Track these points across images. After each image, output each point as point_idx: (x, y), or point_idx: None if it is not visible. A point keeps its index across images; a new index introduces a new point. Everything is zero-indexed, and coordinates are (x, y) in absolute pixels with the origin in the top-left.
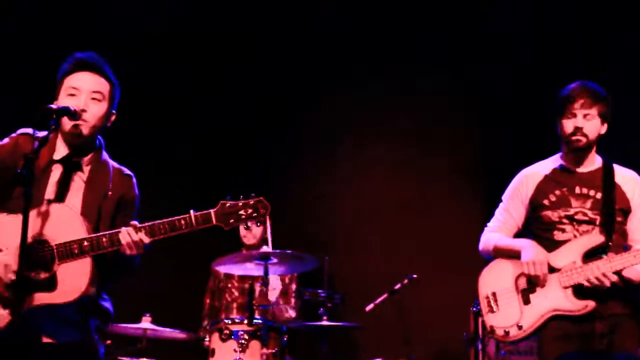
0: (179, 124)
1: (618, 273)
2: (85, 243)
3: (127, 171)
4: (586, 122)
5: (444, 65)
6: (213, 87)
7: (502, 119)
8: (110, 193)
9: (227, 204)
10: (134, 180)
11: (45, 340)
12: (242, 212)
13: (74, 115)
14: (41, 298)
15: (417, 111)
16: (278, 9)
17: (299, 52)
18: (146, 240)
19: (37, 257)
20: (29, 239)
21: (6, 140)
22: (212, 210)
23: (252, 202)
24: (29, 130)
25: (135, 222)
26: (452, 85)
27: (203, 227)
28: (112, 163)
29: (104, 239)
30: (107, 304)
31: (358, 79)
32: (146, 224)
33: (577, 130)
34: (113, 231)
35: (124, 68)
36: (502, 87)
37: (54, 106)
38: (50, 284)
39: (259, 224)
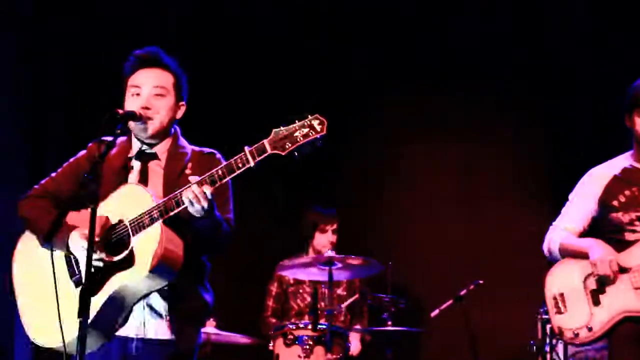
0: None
1: None
2: (155, 212)
3: (209, 150)
4: None
5: (505, 64)
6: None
7: (573, 118)
8: (188, 172)
9: (280, 129)
10: (218, 156)
11: (130, 335)
12: (297, 133)
13: (139, 118)
14: (121, 277)
15: (482, 113)
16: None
17: (359, 54)
18: (207, 190)
19: (116, 238)
20: (103, 229)
21: (81, 153)
22: (265, 140)
23: (306, 121)
24: (99, 139)
25: (195, 177)
26: (516, 83)
27: (261, 159)
28: (192, 147)
29: (170, 202)
30: (208, 296)
31: (421, 81)
32: (205, 175)
33: None
34: (177, 192)
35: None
36: (571, 82)
37: (120, 111)
38: (130, 261)
39: (319, 144)
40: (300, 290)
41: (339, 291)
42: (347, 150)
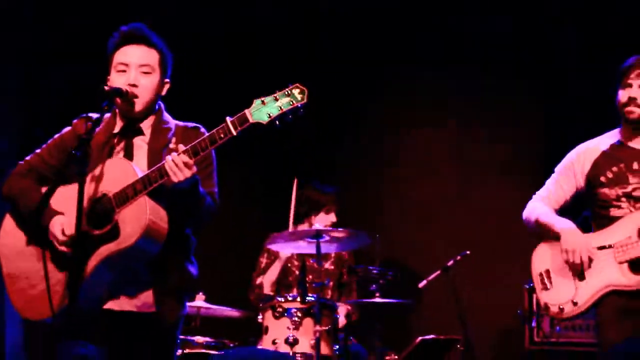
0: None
1: None
2: (138, 184)
3: (193, 124)
4: None
5: (504, 47)
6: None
7: (562, 95)
8: (172, 146)
9: (261, 99)
10: (203, 130)
11: (115, 307)
12: (278, 103)
13: (126, 95)
14: (106, 249)
15: (473, 92)
16: None
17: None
18: (189, 161)
19: (100, 211)
20: (88, 202)
21: (67, 128)
22: (246, 110)
23: (287, 90)
24: (84, 115)
25: (180, 146)
26: (511, 63)
27: (243, 129)
28: (176, 122)
29: (153, 174)
30: (192, 268)
31: (420, 62)
32: (187, 146)
33: (631, 100)
34: (160, 164)
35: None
36: (561, 63)
37: (106, 88)
38: (114, 234)
39: (301, 112)
40: (289, 264)
41: (327, 265)
42: (337, 125)
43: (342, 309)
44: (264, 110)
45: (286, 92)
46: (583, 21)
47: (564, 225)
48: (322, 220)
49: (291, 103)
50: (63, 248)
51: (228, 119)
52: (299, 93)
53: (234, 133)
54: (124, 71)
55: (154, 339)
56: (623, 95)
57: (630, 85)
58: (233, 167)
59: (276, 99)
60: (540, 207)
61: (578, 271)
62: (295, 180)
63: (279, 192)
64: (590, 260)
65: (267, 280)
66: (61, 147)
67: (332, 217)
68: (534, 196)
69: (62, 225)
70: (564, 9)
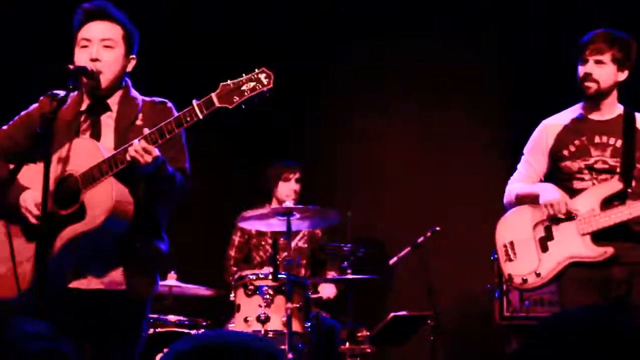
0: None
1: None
2: (104, 165)
3: (160, 99)
4: (597, 68)
5: (469, 25)
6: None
7: (527, 72)
8: (139, 122)
9: (228, 83)
10: (170, 105)
11: (82, 286)
12: (244, 87)
13: (91, 74)
14: (73, 229)
15: (440, 68)
16: None
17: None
18: (148, 146)
19: (66, 191)
20: (54, 182)
21: (33, 106)
22: (213, 94)
23: (253, 75)
24: (50, 92)
25: (144, 129)
26: (475, 42)
27: (210, 112)
28: (143, 97)
29: (119, 155)
30: (162, 245)
31: (382, 38)
32: (153, 129)
33: (587, 76)
34: (127, 145)
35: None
36: (525, 43)
37: (71, 67)
38: (80, 214)
39: (266, 96)
40: (263, 242)
41: (300, 243)
42: (307, 103)
43: (328, 286)
44: (231, 93)
45: (252, 77)
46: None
47: (543, 185)
48: (285, 190)
49: (257, 87)
50: (36, 222)
51: (194, 102)
52: (265, 77)
53: (200, 117)
54: (86, 46)
55: (122, 316)
56: (580, 70)
57: (587, 61)
58: (203, 145)
59: (242, 83)
60: (516, 185)
61: (551, 232)
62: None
63: (250, 170)
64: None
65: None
66: (27, 123)
67: (293, 185)
68: (508, 182)
69: (34, 199)
70: None
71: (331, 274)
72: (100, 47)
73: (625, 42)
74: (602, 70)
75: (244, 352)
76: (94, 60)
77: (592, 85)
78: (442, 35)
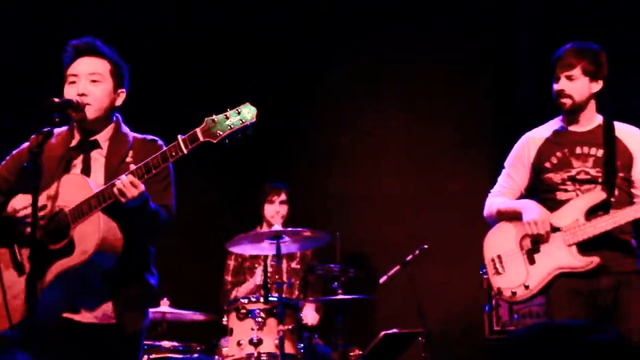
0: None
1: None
2: (92, 200)
3: (151, 137)
4: (569, 83)
5: (454, 32)
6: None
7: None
8: (129, 159)
9: (212, 118)
10: (160, 142)
11: (75, 318)
12: (228, 122)
13: (77, 107)
14: (62, 264)
15: (428, 85)
16: None
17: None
18: (135, 180)
19: (56, 226)
20: (45, 217)
21: (24, 144)
22: (197, 129)
23: (237, 109)
24: (41, 130)
25: (131, 165)
26: (462, 53)
27: (194, 147)
28: (134, 134)
29: (108, 190)
30: (152, 279)
31: (368, 49)
32: (140, 164)
33: (561, 92)
34: (114, 180)
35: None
36: (511, 54)
37: (56, 100)
38: (69, 249)
39: (250, 132)
40: (256, 265)
41: (293, 264)
42: (295, 128)
43: (310, 307)
44: (215, 128)
45: (237, 111)
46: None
47: (526, 203)
48: (270, 211)
49: (241, 122)
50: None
51: (179, 137)
52: (248, 112)
53: (185, 151)
54: (74, 82)
55: (117, 349)
56: (554, 88)
57: (559, 78)
58: (193, 172)
59: (227, 118)
60: (498, 199)
61: (539, 244)
62: None
63: (239, 195)
64: (548, 236)
65: (244, 289)
66: (18, 160)
67: (277, 207)
68: (489, 194)
69: (24, 202)
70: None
71: (312, 296)
72: (88, 81)
73: (594, 53)
74: (574, 85)
75: None
76: (80, 95)
77: (567, 101)
78: (437, 47)
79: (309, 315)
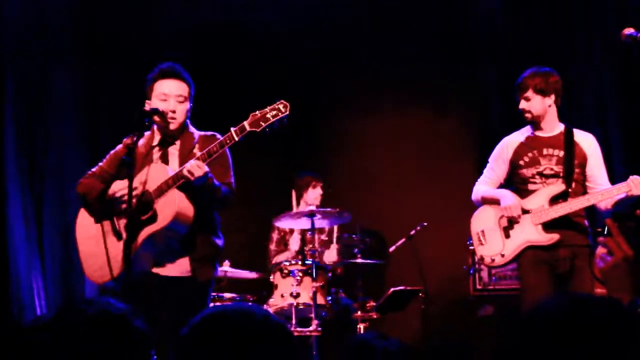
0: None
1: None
2: (170, 180)
3: (211, 133)
4: (526, 102)
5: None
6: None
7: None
8: (196, 150)
9: (256, 113)
10: (218, 136)
11: (160, 273)
12: (268, 115)
13: (162, 114)
14: (148, 230)
15: (431, 82)
16: None
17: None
18: (201, 163)
19: (144, 202)
20: (136, 198)
21: (119, 145)
22: (245, 122)
23: (275, 105)
24: (130, 134)
25: (196, 152)
26: (452, 53)
27: (243, 135)
28: (199, 132)
29: (180, 172)
30: (218, 240)
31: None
32: (203, 151)
33: (522, 110)
34: (184, 165)
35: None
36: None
37: (146, 108)
38: (154, 218)
39: (285, 121)
40: (295, 238)
41: (322, 237)
42: (324, 125)
43: (333, 248)
44: (258, 121)
45: (274, 107)
46: None
47: (504, 192)
48: (312, 194)
49: (278, 115)
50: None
51: (232, 129)
52: (283, 107)
53: (236, 139)
54: (165, 100)
55: (192, 296)
56: (519, 106)
57: (519, 99)
58: (251, 162)
59: (266, 113)
60: (482, 187)
61: (513, 222)
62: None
63: (285, 180)
64: (519, 218)
65: (285, 256)
66: (115, 158)
67: (319, 190)
68: (476, 182)
69: (124, 189)
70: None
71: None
72: (176, 101)
73: (543, 74)
74: (530, 103)
75: (243, 316)
76: (172, 111)
77: (528, 115)
78: (431, 50)
79: (330, 253)
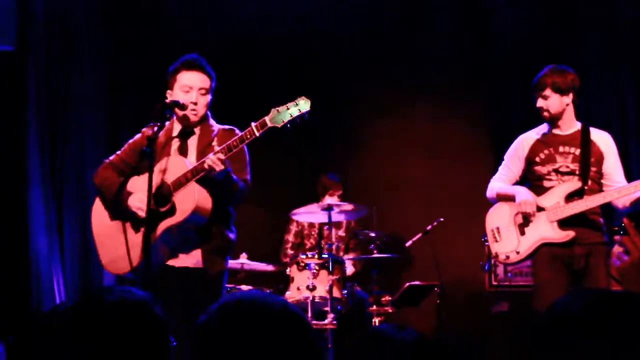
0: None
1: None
2: (188, 174)
3: (230, 127)
4: (544, 101)
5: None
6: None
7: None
8: (215, 144)
9: (277, 108)
10: (237, 131)
11: (175, 264)
12: (289, 111)
13: (183, 107)
14: (167, 222)
15: (449, 84)
16: None
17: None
18: (222, 157)
19: (163, 194)
20: (154, 187)
21: (137, 136)
22: (266, 117)
23: (296, 101)
24: (149, 124)
25: (215, 146)
26: (469, 52)
27: (264, 131)
28: (218, 125)
29: (199, 166)
30: (231, 234)
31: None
32: (223, 145)
33: (540, 109)
34: (203, 159)
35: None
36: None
37: (167, 100)
38: (172, 211)
39: (306, 117)
40: (312, 232)
41: (340, 232)
42: (340, 123)
43: (349, 263)
44: (279, 117)
45: (295, 103)
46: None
47: (518, 188)
48: (330, 201)
49: (299, 111)
50: (144, 215)
51: (252, 124)
52: (304, 103)
53: (257, 134)
54: (187, 91)
55: (204, 287)
56: (536, 105)
57: (537, 98)
58: (267, 157)
59: (287, 108)
60: (497, 184)
61: (528, 219)
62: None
63: (302, 176)
64: (534, 214)
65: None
66: (134, 148)
67: (335, 200)
68: (492, 179)
69: (140, 201)
70: None
71: (352, 255)
72: (198, 93)
73: (561, 73)
74: (548, 102)
75: (261, 304)
76: (193, 103)
77: (546, 114)
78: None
79: (348, 268)
